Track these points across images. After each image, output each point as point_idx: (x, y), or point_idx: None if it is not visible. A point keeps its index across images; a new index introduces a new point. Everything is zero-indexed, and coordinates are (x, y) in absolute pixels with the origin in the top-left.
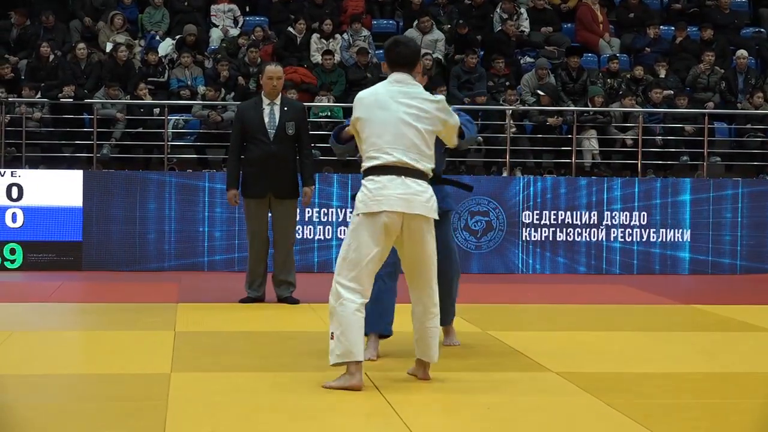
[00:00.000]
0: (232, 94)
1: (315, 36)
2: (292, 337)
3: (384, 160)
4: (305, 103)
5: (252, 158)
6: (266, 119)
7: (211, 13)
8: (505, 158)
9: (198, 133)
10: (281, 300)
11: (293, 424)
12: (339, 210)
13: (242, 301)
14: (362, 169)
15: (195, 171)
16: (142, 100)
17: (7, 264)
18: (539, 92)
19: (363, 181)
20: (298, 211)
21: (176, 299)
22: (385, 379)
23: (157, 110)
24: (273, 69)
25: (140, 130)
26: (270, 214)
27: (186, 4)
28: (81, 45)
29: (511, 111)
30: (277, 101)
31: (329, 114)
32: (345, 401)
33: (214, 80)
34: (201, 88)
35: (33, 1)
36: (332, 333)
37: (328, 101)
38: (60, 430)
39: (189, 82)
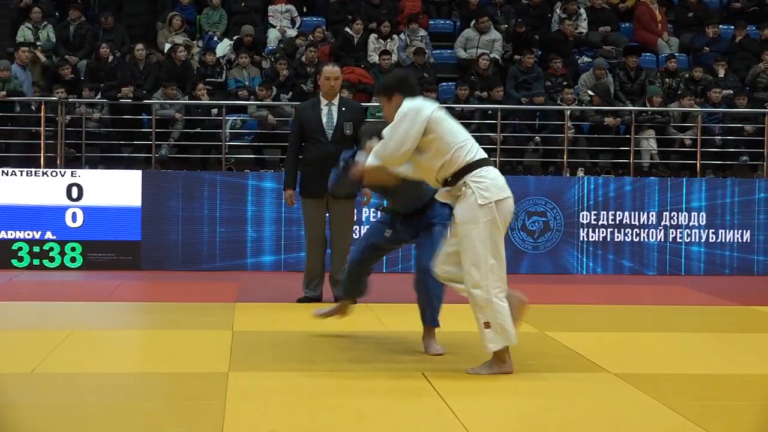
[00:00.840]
0: (290, 94)
1: (372, 36)
2: (349, 337)
3: (482, 154)
4: (362, 104)
5: (310, 158)
6: (324, 119)
7: (269, 14)
8: (563, 158)
9: (255, 133)
10: (338, 299)
11: (350, 424)
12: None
13: (300, 300)
14: (461, 166)
15: (251, 171)
16: (200, 100)
17: (68, 263)
18: (590, 92)
19: (473, 177)
20: (355, 211)
21: (234, 299)
22: (443, 380)
23: (214, 110)
24: (330, 69)
25: (198, 130)
26: (328, 214)
27: (243, 4)
28: (139, 46)
29: (569, 111)
30: (335, 101)
31: None
32: (402, 402)
33: (272, 81)
34: (259, 89)
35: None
36: (486, 323)
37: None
38: (119, 429)
39: (246, 83)
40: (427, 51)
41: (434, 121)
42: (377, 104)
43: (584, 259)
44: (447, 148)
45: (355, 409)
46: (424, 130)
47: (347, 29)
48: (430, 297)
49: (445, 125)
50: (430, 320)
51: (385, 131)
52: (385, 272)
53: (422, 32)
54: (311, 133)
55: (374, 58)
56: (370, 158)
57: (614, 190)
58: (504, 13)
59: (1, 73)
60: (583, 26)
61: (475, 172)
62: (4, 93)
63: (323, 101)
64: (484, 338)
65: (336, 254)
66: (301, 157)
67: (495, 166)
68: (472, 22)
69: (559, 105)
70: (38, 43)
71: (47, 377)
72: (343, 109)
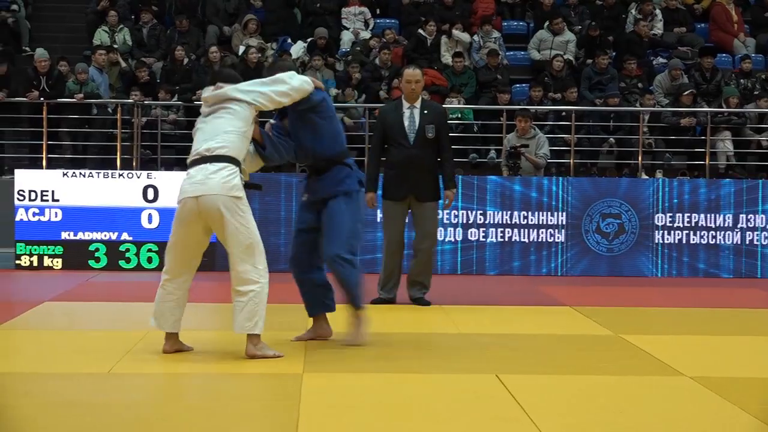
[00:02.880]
0: (363, 96)
1: (445, 38)
2: (422, 338)
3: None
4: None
5: (392, 161)
6: (406, 123)
7: (342, 16)
8: (638, 160)
9: None
10: (414, 300)
11: (423, 425)
12: (468, 212)
13: (374, 302)
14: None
15: None
16: None
17: (144, 264)
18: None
19: None
20: (439, 213)
21: None
22: (516, 381)
23: None
24: (411, 72)
25: None
26: (411, 217)
27: (318, 5)
28: (213, 48)
29: (646, 112)
30: (417, 104)
31: (459, 116)
32: (476, 403)
33: (345, 83)
34: (332, 91)
35: (166, 4)
36: None
37: (459, 103)
38: (194, 428)
39: None
40: (500, 52)
41: None
42: (450, 106)
43: (659, 262)
44: None
45: (427, 411)
46: None
47: (420, 31)
48: (344, 283)
49: None
50: (356, 302)
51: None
52: (459, 273)
53: (496, 33)
54: (393, 137)
55: (447, 59)
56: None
57: (689, 192)
58: (578, 14)
59: (79, 76)
60: (659, 27)
61: None
62: (81, 95)
63: (405, 104)
64: None
65: (418, 256)
66: (384, 159)
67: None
68: (546, 24)
69: (634, 107)
70: (114, 46)
71: (124, 377)
72: (425, 112)
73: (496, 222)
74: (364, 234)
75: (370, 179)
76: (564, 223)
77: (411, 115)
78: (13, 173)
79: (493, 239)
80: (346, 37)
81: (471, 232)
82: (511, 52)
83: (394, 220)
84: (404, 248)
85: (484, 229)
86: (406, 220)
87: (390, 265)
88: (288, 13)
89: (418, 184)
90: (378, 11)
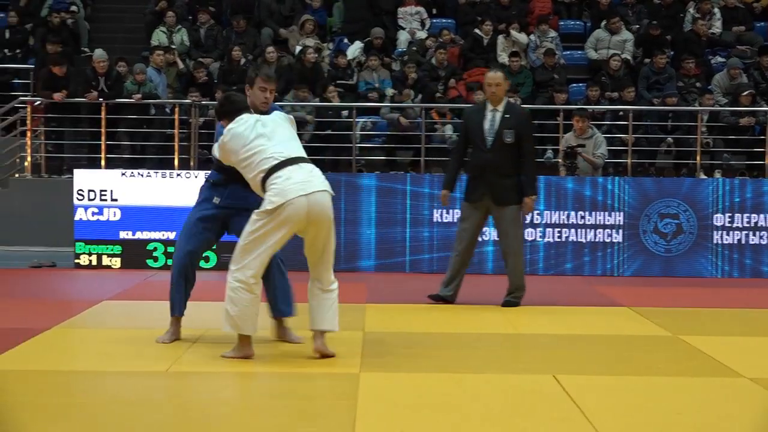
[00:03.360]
0: (419, 96)
1: (501, 37)
2: (479, 339)
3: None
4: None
5: (471, 164)
6: (486, 126)
7: (399, 16)
8: (696, 160)
9: (386, 134)
10: (502, 304)
11: (479, 425)
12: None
13: (431, 296)
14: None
15: (384, 172)
16: (331, 102)
17: (201, 263)
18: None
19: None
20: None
21: (365, 300)
22: (574, 382)
23: (345, 112)
24: (492, 75)
25: (329, 132)
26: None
27: (375, 6)
28: (270, 48)
29: (704, 112)
30: (500, 108)
31: None
32: (533, 403)
33: (401, 82)
34: (389, 91)
35: (223, 4)
36: None
37: (515, 103)
38: (252, 427)
39: (376, 85)
40: (557, 52)
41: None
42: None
43: (718, 263)
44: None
45: (484, 411)
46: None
47: (477, 30)
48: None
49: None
50: (285, 311)
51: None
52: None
53: (552, 33)
54: (473, 139)
55: (504, 59)
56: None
57: (750, 192)
58: (635, 14)
59: (137, 77)
60: (717, 26)
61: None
62: (139, 96)
63: (489, 107)
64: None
65: (508, 259)
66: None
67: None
68: (603, 23)
69: (693, 106)
70: (172, 47)
71: (181, 376)
72: (507, 116)
73: (552, 222)
74: None
75: (447, 178)
76: (621, 223)
77: (492, 119)
78: (72, 173)
79: (550, 239)
80: (403, 36)
81: (527, 232)
82: (568, 52)
83: (468, 222)
84: (473, 250)
85: (540, 228)
86: (485, 224)
87: (456, 265)
88: (368, 13)
89: (494, 187)
90: (434, 11)
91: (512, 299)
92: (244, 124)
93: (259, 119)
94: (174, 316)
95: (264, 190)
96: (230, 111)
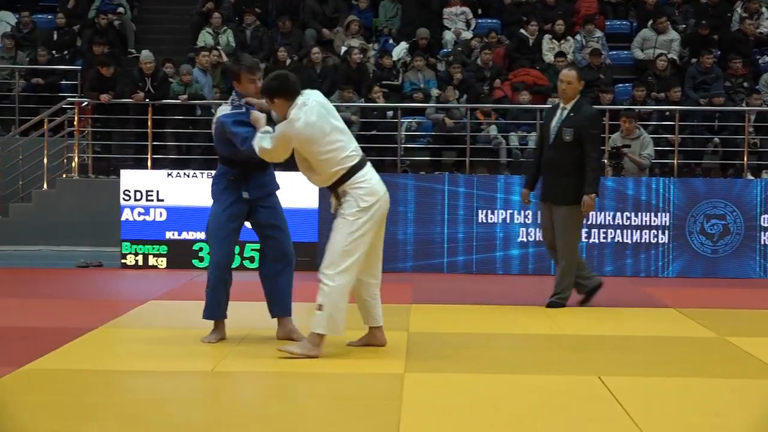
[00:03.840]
0: (465, 96)
1: (547, 37)
2: (525, 339)
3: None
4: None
5: (542, 162)
6: (553, 124)
7: (444, 16)
8: (743, 160)
9: (431, 135)
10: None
11: (525, 426)
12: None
13: (582, 302)
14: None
15: (428, 173)
16: (376, 102)
17: (246, 264)
18: None
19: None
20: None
21: (410, 300)
22: (619, 382)
23: (390, 113)
24: (564, 72)
25: (374, 132)
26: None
27: (420, 5)
28: (316, 49)
29: (751, 112)
30: (569, 106)
31: None
32: (578, 404)
33: (447, 83)
34: (434, 91)
35: (269, 5)
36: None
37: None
38: (295, 428)
39: (422, 85)
40: (603, 52)
41: (303, 140)
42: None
43: (766, 264)
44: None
45: (529, 412)
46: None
47: (522, 30)
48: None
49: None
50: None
51: (278, 126)
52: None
53: (598, 33)
54: (545, 137)
55: (549, 59)
56: (259, 139)
57: None
58: (682, 13)
59: (183, 77)
60: (765, 25)
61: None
62: (185, 96)
63: (561, 105)
64: (313, 319)
65: (558, 260)
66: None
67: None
68: (650, 23)
69: (739, 106)
70: (218, 47)
71: (227, 376)
72: (572, 114)
73: (597, 223)
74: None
75: (526, 176)
76: (667, 223)
77: (560, 117)
78: (119, 174)
79: (595, 240)
80: (448, 37)
81: (594, 232)
82: (614, 52)
83: (542, 221)
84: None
85: (585, 230)
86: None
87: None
88: (424, 11)
89: (552, 186)
90: (480, 11)
91: (556, 300)
92: (314, 112)
93: (322, 104)
94: (219, 320)
95: (340, 185)
96: (288, 90)
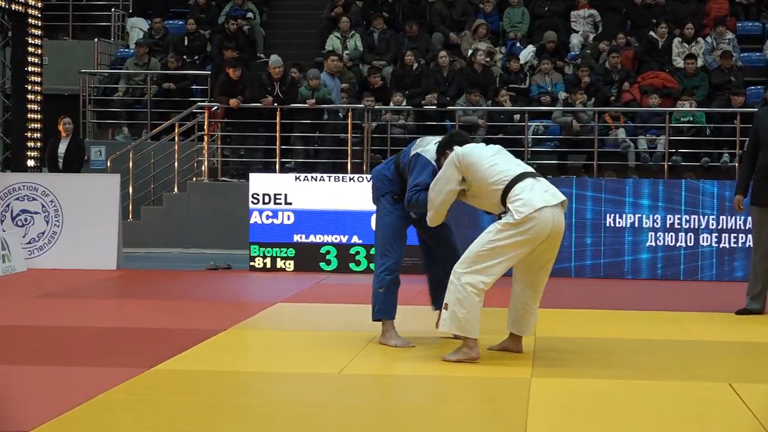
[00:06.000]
0: (592, 100)
1: (677, 40)
2: (652, 345)
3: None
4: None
5: (759, 165)
6: None
7: (571, 19)
8: None
9: (558, 138)
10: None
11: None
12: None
13: (739, 312)
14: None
15: (556, 177)
16: (503, 106)
17: (323, 265)
18: None
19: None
20: None
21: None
22: (751, 390)
23: (517, 116)
24: None
25: (501, 136)
26: None
27: (546, 9)
28: (443, 53)
29: None
30: None
31: (691, 119)
32: (708, 411)
33: (574, 86)
34: (561, 94)
35: (396, 10)
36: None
37: (690, 106)
38: (423, 430)
39: (549, 89)
40: (734, 54)
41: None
42: (681, 109)
43: None
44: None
45: (657, 418)
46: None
47: (651, 33)
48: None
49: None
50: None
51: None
52: (682, 279)
53: (729, 35)
54: (764, 140)
55: (679, 62)
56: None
57: None
58: None
59: (311, 82)
60: None
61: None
62: (313, 101)
63: None
64: (442, 318)
65: (756, 264)
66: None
67: None
68: None
69: None
70: (346, 52)
71: (354, 378)
72: None
73: (728, 227)
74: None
75: (739, 183)
76: None
77: None
78: (247, 177)
79: (726, 245)
80: (575, 40)
81: (702, 237)
82: (746, 54)
83: (760, 227)
84: None
85: (715, 234)
86: None
87: (758, 272)
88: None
89: None
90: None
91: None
92: (474, 147)
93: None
94: (390, 320)
95: (504, 203)
96: (460, 142)
